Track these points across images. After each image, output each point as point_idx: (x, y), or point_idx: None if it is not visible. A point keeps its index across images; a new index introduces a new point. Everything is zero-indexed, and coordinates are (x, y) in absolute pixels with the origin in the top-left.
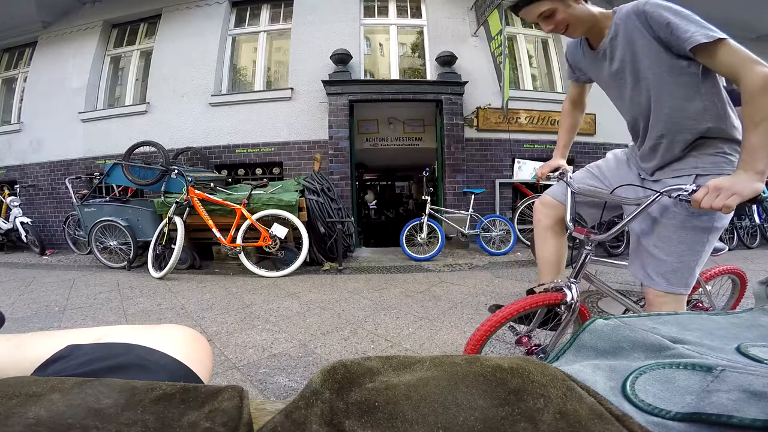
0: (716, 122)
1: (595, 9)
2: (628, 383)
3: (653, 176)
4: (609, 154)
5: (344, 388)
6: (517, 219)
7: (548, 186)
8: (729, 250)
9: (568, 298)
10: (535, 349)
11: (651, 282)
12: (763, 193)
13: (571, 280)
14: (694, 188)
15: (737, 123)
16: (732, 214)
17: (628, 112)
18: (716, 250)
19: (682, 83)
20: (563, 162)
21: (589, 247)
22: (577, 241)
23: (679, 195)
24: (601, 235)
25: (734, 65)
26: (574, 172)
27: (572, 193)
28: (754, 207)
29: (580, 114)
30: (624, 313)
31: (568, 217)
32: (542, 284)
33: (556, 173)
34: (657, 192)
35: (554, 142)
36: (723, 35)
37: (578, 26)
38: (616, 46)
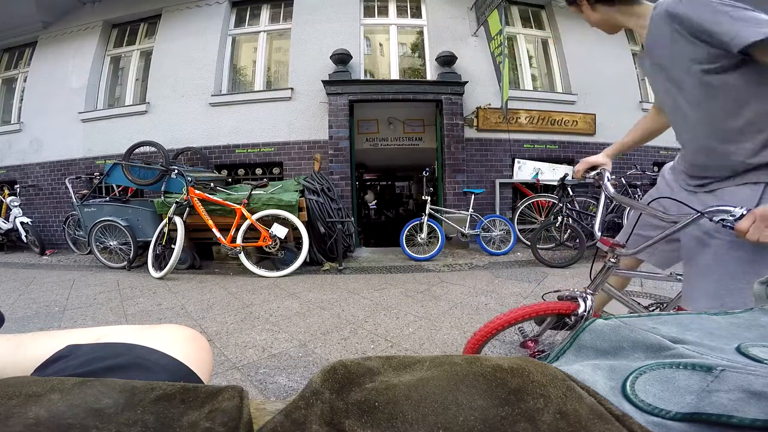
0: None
1: (628, 9)
2: (628, 383)
3: (708, 187)
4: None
5: (344, 388)
6: (517, 219)
7: (552, 187)
8: None
9: (580, 310)
10: (538, 354)
11: (696, 303)
12: None
13: (588, 291)
14: (743, 212)
15: None
16: None
17: (668, 114)
18: None
19: (727, 89)
20: (606, 160)
21: (613, 260)
22: (599, 250)
23: (722, 220)
24: (628, 250)
25: None
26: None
27: (606, 197)
28: None
29: (662, 118)
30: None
31: (597, 225)
32: (558, 290)
33: (593, 173)
34: (696, 212)
35: (554, 142)
36: None
37: (603, 27)
38: (652, 45)
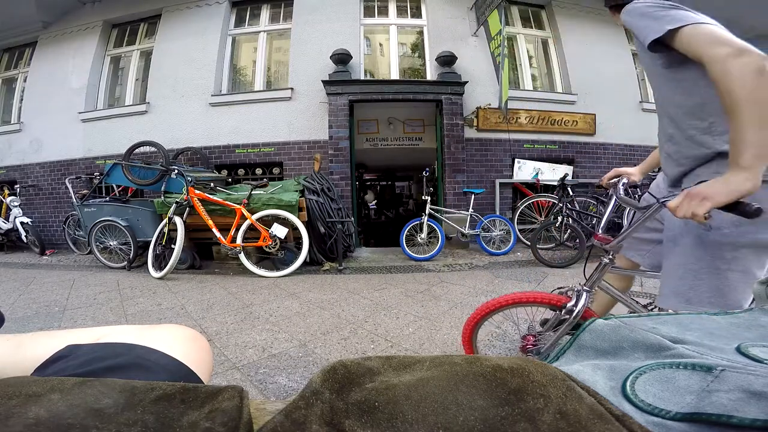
0: (720, 115)
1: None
2: (628, 383)
3: (680, 185)
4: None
5: (344, 388)
6: (517, 219)
7: (552, 187)
8: None
9: (570, 303)
10: (532, 347)
11: (667, 302)
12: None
13: (584, 287)
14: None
15: None
16: (756, 229)
17: (659, 115)
18: None
19: (678, 78)
20: (633, 171)
21: (608, 258)
22: (593, 248)
23: (665, 201)
24: (611, 243)
25: (694, 51)
26: (573, 172)
27: (615, 201)
28: None
29: None
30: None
31: (603, 224)
32: (560, 287)
33: (614, 179)
34: (656, 200)
35: (554, 142)
36: (680, 24)
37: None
38: (637, 47)
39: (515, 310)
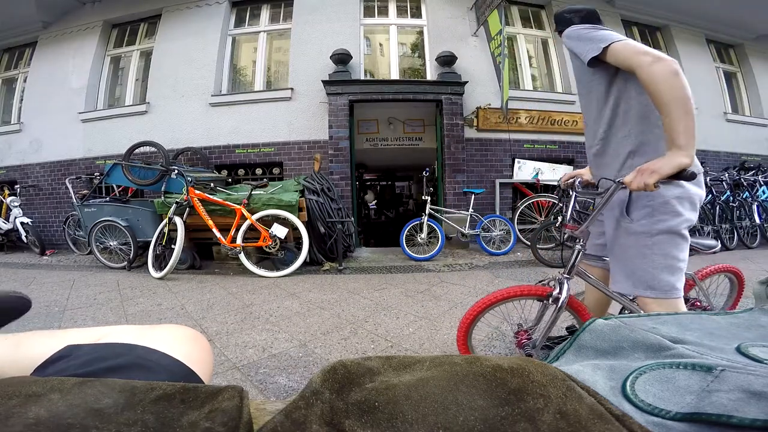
0: (642, 120)
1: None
2: (628, 383)
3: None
4: None
5: (344, 388)
6: (517, 219)
7: (552, 187)
8: (729, 250)
9: (555, 292)
10: (526, 342)
11: (619, 286)
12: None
13: (564, 276)
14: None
15: None
16: (673, 220)
17: (587, 122)
18: (708, 248)
19: (608, 89)
20: (584, 171)
21: (581, 244)
22: (567, 237)
23: (620, 181)
24: (578, 230)
25: (624, 63)
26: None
27: (575, 197)
28: (754, 207)
29: None
30: (621, 311)
31: (567, 217)
32: (542, 280)
33: (571, 180)
34: (614, 182)
35: (554, 142)
36: (609, 42)
37: None
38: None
39: (505, 308)
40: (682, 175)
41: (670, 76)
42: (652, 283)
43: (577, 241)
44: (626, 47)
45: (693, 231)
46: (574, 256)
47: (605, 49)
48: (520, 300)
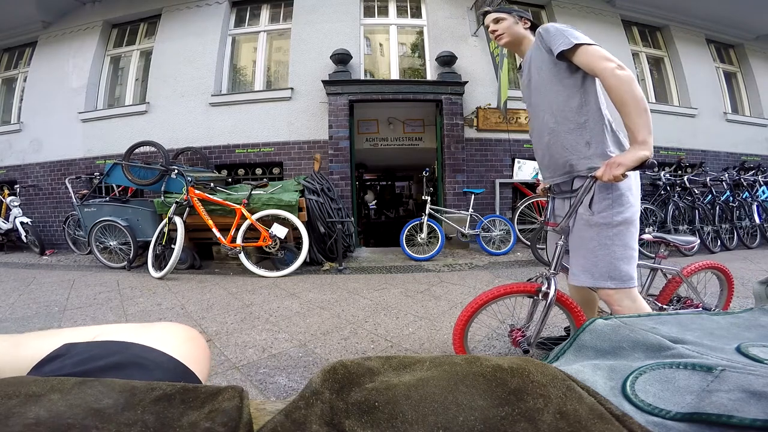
0: (595, 116)
1: (529, 35)
2: (628, 383)
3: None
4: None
5: (344, 388)
6: (517, 219)
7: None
8: (729, 250)
9: (544, 287)
10: (521, 338)
11: (578, 280)
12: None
13: (551, 272)
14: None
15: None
16: (628, 211)
17: (536, 120)
18: (687, 243)
19: (565, 84)
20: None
21: (561, 241)
22: (547, 233)
23: (593, 175)
24: (557, 227)
25: (589, 63)
26: None
27: (554, 197)
28: (754, 207)
29: None
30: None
31: (547, 215)
32: (531, 278)
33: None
34: (589, 177)
35: None
36: (582, 42)
37: (510, 38)
38: (528, 61)
39: (497, 308)
40: (644, 165)
41: (631, 81)
42: (612, 274)
43: (560, 237)
44: (594, 51)
45: (669, 230)
46: (556, 252)
47: (577, 46)
48: (511, 298)
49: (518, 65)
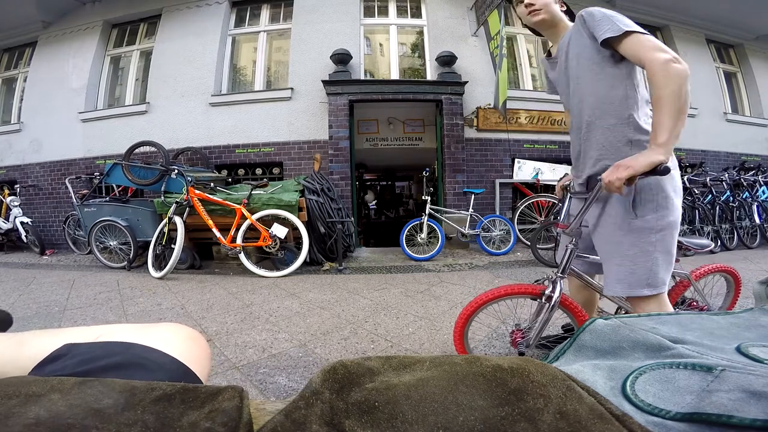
0: (641, 111)
1: (565, 18)
2: (628, 383)
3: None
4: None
5: (344, 388)
6: (517, 219)
7: (552, 187)
8: (729, 250)
9: (548, 291)
10: (521, 340)
11: (613, 290)
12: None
13: (558, 275)
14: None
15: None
16: (672, 214)
17: (572, 113)
18: (702, 247)
19: (608, 74)
20: (570, 178)
21: (572, 244)
22: (558, 236)
23: (600, 178)
24: (567, 229)
25: (637, 53)
26: None
27: (570, 197)
28: (754, 207)
29: None
30: (616, 311)
31: (561, 216)
32: (538, 280)
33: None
34: (598, 180)
35: (554, 142)
36: (632, 29)
37: (547, 15)
38: (563, 48)
39: (503, 308)
40: (657, 170)
41: (683, 78)
42: (651, 281)
43: (570, 240)
44: (646, 39)
45: (685, 231)
46: (566, 256)
47: (627, 33)
48: (516, 299)
49: (547, 52)
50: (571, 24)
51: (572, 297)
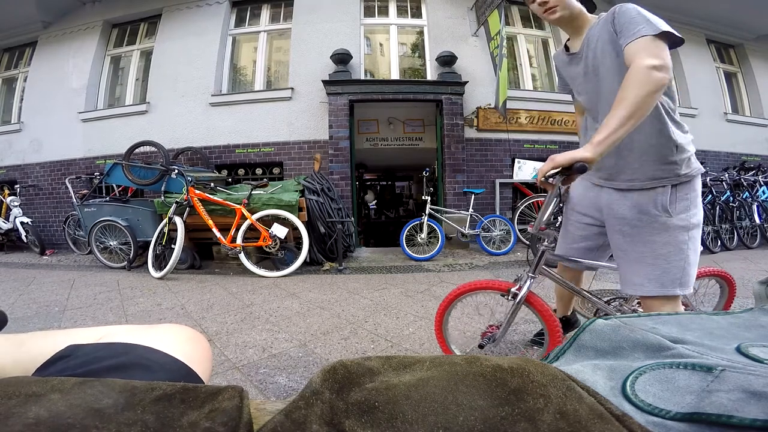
0: (664, 118)
1: (585, 11)
2: (628, 383)
3: (617, 180)
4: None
5: (344, 388)
6: (517, 219)
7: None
8: (729, 250)
9: (514, 288)
10: (489, 334)
11: (644, 289)
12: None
13: (529, 274)
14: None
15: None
16: (700, 213)
17: (595, 112)
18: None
19: None
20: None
21: (546, 244)
22: (532, 236)
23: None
24: (548, 231)
25: (638, 52)
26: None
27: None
28: (754, 207)
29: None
30: (595, 314)
31: (545, 218)
32: (516, 278)
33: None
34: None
35: (554, 142)
36: (662, 30)
37: (564, 12)
38: (589, 44)
39: (482, 299)
40: (573, 167)
41: (657, 86)
42: (683, 280)
43: (541, 240)
44: (657, 47)
45: None
46: (539, 256)
47: (664, 33)
48: (487, 294)
49: (563, 46)
50: (591, 16)
51: (559, 295)
